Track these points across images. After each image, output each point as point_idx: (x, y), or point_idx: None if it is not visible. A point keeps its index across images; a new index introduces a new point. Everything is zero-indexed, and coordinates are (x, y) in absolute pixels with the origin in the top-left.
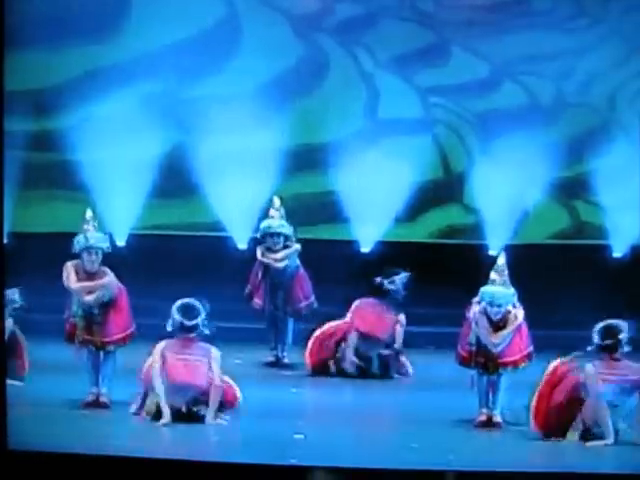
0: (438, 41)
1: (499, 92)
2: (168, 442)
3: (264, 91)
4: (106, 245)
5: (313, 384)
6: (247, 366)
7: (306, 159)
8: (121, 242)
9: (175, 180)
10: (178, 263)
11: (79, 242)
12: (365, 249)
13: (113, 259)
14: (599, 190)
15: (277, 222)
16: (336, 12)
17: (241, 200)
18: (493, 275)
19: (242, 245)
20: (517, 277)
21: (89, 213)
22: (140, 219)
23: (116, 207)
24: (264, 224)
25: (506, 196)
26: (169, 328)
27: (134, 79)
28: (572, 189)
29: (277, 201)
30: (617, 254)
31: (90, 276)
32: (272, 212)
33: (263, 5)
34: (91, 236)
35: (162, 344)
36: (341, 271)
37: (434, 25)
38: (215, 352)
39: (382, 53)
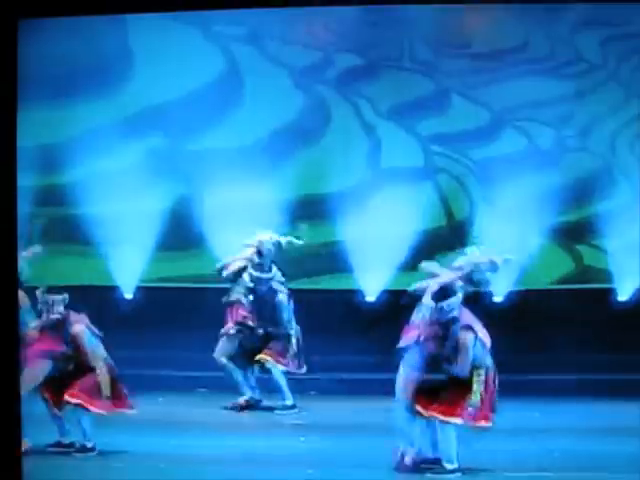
0: (438, 90)
1: (500, 139)
2: None
3: (267, 143)
4: None
5: (321, 431)
6: (254, 415)
7: (310, 210)
8: (129, 295)
9: (181, 233)
10: (185, 315)
11: None
12: (370, 298)
13: (121, 312)
14: (602, 234)
15: None
16: (336, 63)
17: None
18: None
19: None
20: (522, 322)
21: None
22: (147, 272)
23: (123, 260)
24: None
25: (509, 242)
26: None
27: (139, 133)
28: (575, 233)
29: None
30: (622, 298)
31: None
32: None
33: (264, 58)
34: None
35: None
36: (346, 321)
37: (434, 74)
38: None
39: (383, 103)
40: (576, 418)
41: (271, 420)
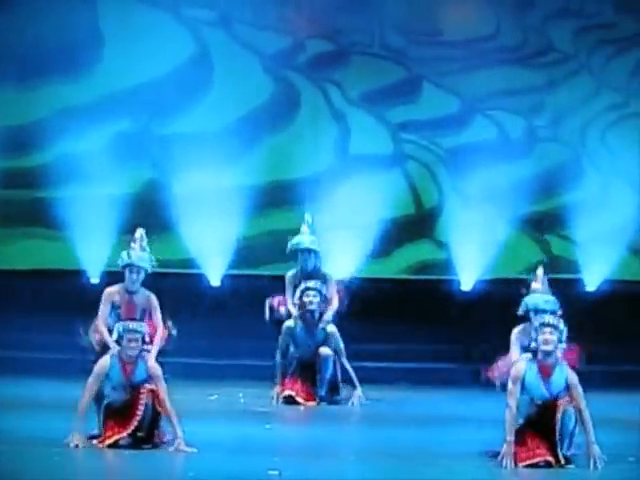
0: (409, 77)
1: (470, 127)
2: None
3: (236, 128)
4: (148, 265)
5: (287, 420)
6: (221, 402)
7: (278, 196)
8: (95, 279)
9: (148, 217)
10: None
11: (122, 259)
12: None
13: (87, 296)
14: (571, 224)
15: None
16: (307, 49)
17: (214, 237)
18: (535, 285)
19: (215, 282)
20: (490, 312)
21: (139, 232)
22: (113, 256)
23: (90, 244)
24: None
25: (478, 231)
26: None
27: (107, 117)
28: (544, 223)
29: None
30: (589, 288)
31: (131, 295)
32: (304, 229)
33: (234, 43)
34: (134, 255)
35: None
36: None
37: (405, 61)
38: None
39: (353, 89)
40: None
41: (237, 407)
